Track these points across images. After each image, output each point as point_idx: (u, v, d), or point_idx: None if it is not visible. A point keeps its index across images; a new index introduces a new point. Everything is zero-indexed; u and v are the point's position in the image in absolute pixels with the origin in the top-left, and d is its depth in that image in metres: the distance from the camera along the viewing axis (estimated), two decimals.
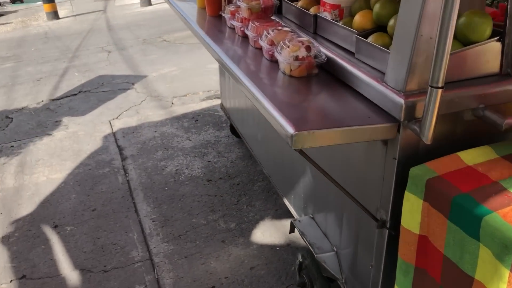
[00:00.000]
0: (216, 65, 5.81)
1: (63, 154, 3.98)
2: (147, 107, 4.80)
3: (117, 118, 4.57)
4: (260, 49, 2.17)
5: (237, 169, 3.64)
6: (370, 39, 1.73)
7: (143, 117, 4.56)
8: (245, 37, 2.36)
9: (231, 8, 2.51)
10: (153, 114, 4.61)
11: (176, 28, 7.75)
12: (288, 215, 3.06)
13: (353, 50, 1.84)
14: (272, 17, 2.34)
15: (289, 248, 2.83)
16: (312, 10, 2.15)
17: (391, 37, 1.70)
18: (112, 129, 4.36)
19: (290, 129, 1.44)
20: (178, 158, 3.83)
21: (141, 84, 5.44)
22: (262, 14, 2.27)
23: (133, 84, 5.45)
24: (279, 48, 1.92)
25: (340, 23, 1.94)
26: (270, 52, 2.00)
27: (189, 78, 5.52)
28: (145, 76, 5.67)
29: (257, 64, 2.07)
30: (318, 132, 1.46)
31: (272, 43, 2.01)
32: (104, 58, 6.48)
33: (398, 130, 1.54)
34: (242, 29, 2.32)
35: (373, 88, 1.61)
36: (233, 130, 3.99)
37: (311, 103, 1.69)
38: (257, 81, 1.84)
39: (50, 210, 3.30)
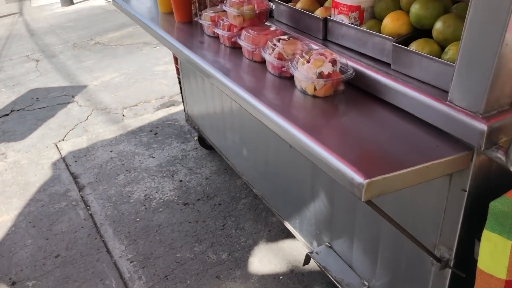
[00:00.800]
0: (163, 68, 5.36)
1: (6, 191, 3.42)
2: (95, 122, 4.29)
3: (63, 139, 4.03)
4: (260, 62, 1.83)
5: (214, 187, 3.28)
6: (413, 47, 1.44)
7: (93, 136, 4.05)
8: (234, 47, 2.00)
9: (209, 13, 2.14)
10: (104, 130, 4.12)
11: (107, 28, 7.15)
12: (284, 234, 2.77)
13: (386, 60, 1.55)
14: (266, 23, 1.99)
15: (294, 275, 2.54)
16: (318, 13, 1.83)
17: (438, 43, 1.42)
18: (60, 153, 3.83)
19: (358, 177, 1.13)
20: (144, 180, 3.41)
21: (82, 95, 4.89)
22: (256, 20, 1.92)
23: (73, 96, 4.89)
24: (295, 63, 1.59)
25: (363, 28, 1.63)
26: (282, 68, 1.67)
27: (136, 84, 5.04)
28: (85, 86, 5.11)
29: (263, 82, 1.73)
30: (391, 176, 1.16)
31: (281, 57, 1.67)
32: (33, 69, 5.80)
33: (471, 158, 1.28)
34: (233, 39, 1.95)
35: (432, 109, 1.33)
36: (202, 141, 3.62)
37: (357, 133, 1.38)
38: (277, 106, 1.50)
39: (3, 263, 2.79)
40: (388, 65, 1.55)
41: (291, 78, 1.68)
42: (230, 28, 1.99)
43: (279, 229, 2.84)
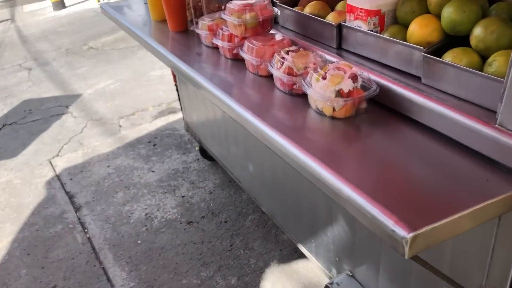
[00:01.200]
0: (159, 72, 5.14)
1: None
2: (90, 135, 4.08)
3: (57, 155, 3.83)
4: (266, 76, 1.61)
5: (219, 202, 3.07)
6: (448, 58, 1.22)
7: (89, 150, 3.84)
8: (236, 59, 1.78)
9: (206, 21, 1.91)
10: (101, 143, 3.91)
11: (101, 31, 6.92)
12: (297, 254, 2.56)
13: (415, 72, 1.33)
14: (272, 31, 1.77)
15: None
16: (330, 19, 1.61)
17: (478, 53, 1.20)
18: (54, 171, 3.63)
19: (401, 230, 0.92)
20: (144, 198, 3.20)
21: (77, 105, 4.67)
22: (260, 29, 1.70)
23: (67, 107, 4.67)
24: (308, 79, 1.37)
25: (385, 35, 1.41)
26: (293, 85, 1.45)
27: (132, 91, 4.82)
28: (79, 95, 4.90)
29: (271, 101, 1.51)
30: (440, 225, 0.94)
31: (291, 72, 1.45)
32: (25, 78, 5.59)
33: None
34: (234, 51, 1.73)
35: (477, 133, 1.11)
36: (204, 152, 3.41)
37: (389, 165, 1.16)
38: (290, 132, 1.29)
39: None
40: (417, 78, 1.33)
41: (304, 95, 1.46)
42: (230, 38, 1.77)
43: (291, 248, 2.63)
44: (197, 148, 3.57)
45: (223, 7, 2.07)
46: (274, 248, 2.67)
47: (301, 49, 1.54)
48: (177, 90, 3.33)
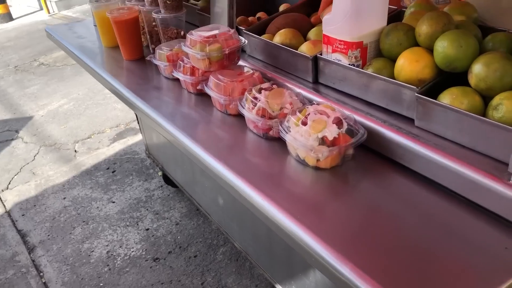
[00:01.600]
0: None
1: None
2: (43, 163, 3.79)
3: (7, 188, 3.52)
4: (236, 115, 1.43)
5: (187, 234, 2.86)
6: (447, 100, 1.07)
7: (42, 180, 3.56)
8: (200, 94, 1.59)
9: (164, 51, 1.72)
10: (55, 172, 3.63)
11: (52, 46, 6.54)
12: None
13: (406, 113, 1.18)
14: (240, 62, 1.59)
15: None
16: (305, 50, 1.44)
17: (479, 93, 1.06)
18: (4, 206, 3.33)
19: None
20: (105, 233, 2.96)
21: (27, 129, 4.35)
22: (226, 62, 1.51)
23: (17, 131, 4.35)
24: (286, 124, 1.19)
25: (369, 71, 1.25)
26: (268, 130, 1.27)
27: (87, 111, 4.54)
28: (30, 118, 4.57)
29: (243, 147, 1.34)
30: None
31: (265, 113, 1.27)
32: None
33: None
34: (198, 87, 1.54)
35: (486, 189, 0.96)
36: (167, 178, 3.18)
37: (390, 230, 1.00)
38: (268, 188, 1.11)
39: None
40: (409, 120, 1.18)
41: (276, 139, 1.29)
42: (193, 71, 1.58)
43: (268, 283, 2.46)
44: (160, 173, 3.35)
45: (182, 32, 1.87)
46: (249, 284, 2.48)
47: (274, 85, 1.36)
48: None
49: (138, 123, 3.18)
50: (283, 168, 1.23)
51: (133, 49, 1.94)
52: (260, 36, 1.58)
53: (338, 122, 1.16)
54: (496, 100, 1.02)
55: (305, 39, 1.54)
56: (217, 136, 1.39)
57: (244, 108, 1.35)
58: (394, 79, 1.21)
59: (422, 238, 0.95)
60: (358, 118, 1.22)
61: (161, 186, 3.28)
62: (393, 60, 1.25)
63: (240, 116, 1.45)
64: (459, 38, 1.07)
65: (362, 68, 1.29)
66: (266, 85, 1.37)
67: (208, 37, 1.47)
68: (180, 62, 1.62)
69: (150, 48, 2.00)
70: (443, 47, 1.09)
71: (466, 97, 1.05)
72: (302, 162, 1.21)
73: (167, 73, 1.75)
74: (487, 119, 0.99)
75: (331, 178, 1.16)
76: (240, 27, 1.66)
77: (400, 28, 1.22)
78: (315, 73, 1.41)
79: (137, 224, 2.98)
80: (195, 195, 2.67)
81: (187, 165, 2.47)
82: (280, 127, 1.22)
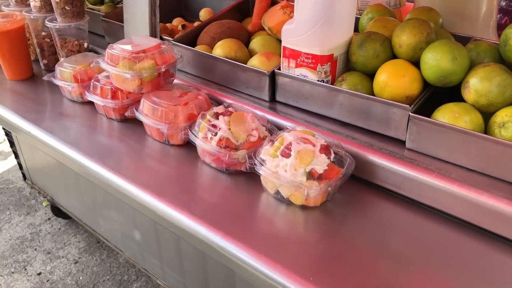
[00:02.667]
0: None
1: None
2: None
3: None
4: (179, 146, 1.19)
5: (90, 273, 2.48)
6: (445, 118, 0.96)
7: None
8: (124, 120, 1.31)
9: (68, 69, 1.39)
10: None
11: None
12: None
13: (394, 135, 1.05)
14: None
15: None
16: (257, 64, 1.24)
17: (478, 110, 0.97)
18: None
19: None
20: None
21: None
22: (161, 80, 1.25)
23: None
24: (261, 156, 1.00)
25: (343, 87, 1.10)
26: (233, 163, 1.06)
27: None
28: None
29: (201, 182, 1.11)
30: None
31: (229, 144, 1.06)
32: None
33: None
34: (127, 113, 1.25)
35: (501, 216, 0.87)
36: (57, 209, 2.73)
37: (409, 277, 0.85)
38: (256, 242, 0.91)
39: None
40: (397, 141, 1.05)
41: (243, 173, 1.08)
42: (115, 93, 1.28)
43: None
44: (45, 204, 2.87)
45: (85, 44, 1.54)
46: None
47: (230, 108, 1.14)
48: (4, 129, 2.58)
49: (11, 145, 2.66)
50: (263, 209, 1.02)
51: (20, 67, 1.55)
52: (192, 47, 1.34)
53: (326, 151, 0.99)
54: (501, 117, 0.93)
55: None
56: (162, 173, 1.13)
57: (197, 137, 1.11)
58: (373, 95, 1.07)
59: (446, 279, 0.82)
60: (341, 143, 1.05)
61: (49, 219, 2.81)
62: (367, 74, 1.11)
63: (185, 146, 1.21)
64: (452, 49, 0.97)
65: (332, 84, 1.13)
66: (220, 108, 1.15)
67: (137, 52, 1.19)
68: (95, 83, 1.31)
69: (42, 64, 1.63)
70: (436, 59, 0.97)
71: (468, 114, 0.94)
72: (284, 201, 1.01)
73: (73, 95, 1.42)
74: (502, 140, 0.89)
75: (324, 218, 0.99)
76: (165, 37, 1.40)
77: (375, 38, 1.09)
78: (272, 91, 1.22)
79: (25, 269, 2.50)
80: (98, 228, 2.30)
81: (86, 193, 2.10)
82: (253, 160, 1.01)
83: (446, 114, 0.96)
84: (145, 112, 1.21)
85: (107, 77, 1.31)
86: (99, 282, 2.43)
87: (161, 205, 1.01)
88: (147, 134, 1.27)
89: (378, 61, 1.07)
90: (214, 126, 1.09)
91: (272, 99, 1.24)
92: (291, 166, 0.96)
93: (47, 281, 2.45)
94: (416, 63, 1.05)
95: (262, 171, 1.00)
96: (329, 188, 0.96)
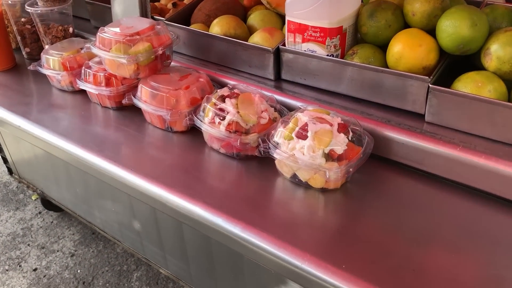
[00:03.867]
0: None
1: None
2: None
3: None
4: (182, 132, 1.12)
5: (88, 265, 2.42)
6: (467, 89, 0.92)
7: None
8: (120, 109, 1.24)
9: (55, 56, 1.30)
10: None
11: None
12: None
13: (411, 108, 1.00)
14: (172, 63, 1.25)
15: None
16: (259, 41, 1.17)
17: (500, 77, 0.92)
18: None
19: None
20: None
21: None
22: (158, 64, 1.17)
23: None
24: (275, 139, 0.94)
25: (355, 61, 1.04)
26: (244, 147, 1.00)
27: None
28: None
29: (211, 169, 1.05)
30: None
31: (238, 128, 1.00)
32: None
33: None
34: (124, 100, 1.18)
35: None
36: (47, 202, 2.65)
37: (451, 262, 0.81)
38: (281, 232, 0.86)
39: None
40: (415, 115, 1.00)
41: (254, 158, 1.03)
42: (109, 80, 1.20)
43: None
44: (34, 197, 2.79)
45: (70, 29, 1.45)
46: None
47: (235, 90, 1.08)
48: None
49: None
50: (280, 194, 0.97)
51: (1, 57, 1.45)
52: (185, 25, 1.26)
53: (344, 130, 0.94)
54: None
55: None
56: (168, 162, 1.07)
57: (203, 122, 1.05)
58: (387, 68, 1.01)
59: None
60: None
61: (39, 212, 2.73)
62: (378, 46, 1.05)
63: (189, 133, 1.15)
64: (471, 15, 0.91)
65: (342, 58, 1.07)
66: (225, 90, 1.08)
67: (132, 35, 1.11)
68: (87, 70, 1.23)
69: (24, 53, 1.54)
70: (455, 26, 0.92)
71: (491, 83, 0.90)
72: (302, 184, 0.96)
73: (63, 84, 1.34)
74: None
75: (347, 201, 0.94)
76: (156, 17, 1.31)
77: (385, 7, 1.03)
78: (277, 68, 1.15)
79: (20, 266, 2.43)
80: (94, 220, 2.23)
81: (79, 185, 2.03)
82: (267, 143, 0.96)
83: (468, 84, 0.91)
84: (144, 98, 1.14)
85: (100, 63, 1.23)
86: (98, 274, 2.38)
87: (173, 197, 0.95)
88: (147, 121, 1.20)
89: (390, 31, 1.02)
90: (221, 110, 1.02)
91: (277, 77, 1.17)
92: (309, 148, 0.91)
93: (44, 276, 2.39)
94: (429, 31, 1.00)
95: (278, 154, 0.94)
96: (351, 169, 0.91)
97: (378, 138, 0.99)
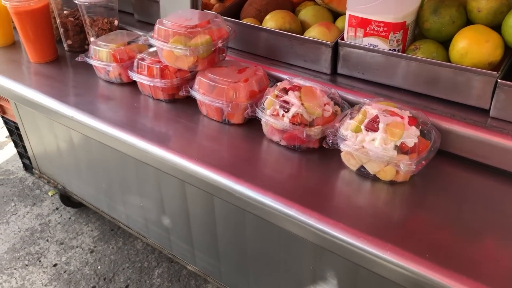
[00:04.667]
0: None
1: None
2: None
3: None
4: (241, 125, 1.13)
5: (108, 261, 2.42)
6: None
7: None
8: (172, 101, 1.24)
9: (104, 48, 1.30)
10: None
11: None
12: None
13: (476, 103, 1.01)
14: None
15: None
16: (316, 35, 1.18)
17: None
18: None
19: None
20: None
21: None
22: (215, 57, 1.18)
23: None
24: (342, 131, 0.95)
25: (418, 55, 1.05)
26: (307, 139, 1.01)
27: None
28: None
29: (275, 162, 1.05)
30: None
31: (302, 121, 1.00)
32: None
33: None
34: (181, 92, 1.18)
35: None
36: (66, 198, 2.64)
37: None
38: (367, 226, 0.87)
39: None
40: (479, 110, 1.01)
41: (315, 151, 1.04)
42: (163, 72, 1.21)
43: None
44: (51, 193, 2.77)
45: (115, 22, 1.45)
46: None
47: (295, 83, 1.08)
48: (2, 116, 2.45)
49: (10, 134, 2.54)
50: (348, 186, 0.98)
51: (46, 48, 1.45)
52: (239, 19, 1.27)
53: (415, 123, 0.95)
54: None
55: None
56: (229, 153, 1.07)
57: (265, 114, 1.05)
58: (449, 62, 1.03)
59: None
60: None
61: (57, 208, 2.71)
62: (440, 42, 1.06)
63: (246, 125, 1.15)
64: None
65: (403, 53, 1.08)
66: (285, 83, 1.09)
67: (192, 27, 1.11)
68: (141, 62, 1.23)
69: (65, 45, 1.53)
70: None
71: None
72: (370, 177, 0.97)
73: (111, 76, 1.34)
74: None
75: (418, 193, 0.95)
76: (208, 11, 1.32)
77: (449, 3, 1.04)
78: (334, 63, 1.16)
79: (40, 261, 2.42)
80: (118, 215, 2.22)
81: (103, 181, 2.01)
82: (339, 137, 0.96)
83: None
84: (202, 90, 1.14)
85: (153, 55, 1.23)
86: (118, 270, 2.37)
87: (245, 189, 0.95)
88: (202, 114, 1.20)
89: (453, 28, 1.03)
90: (285, 102, 1.03)
91: (333, 71, 1.18)
92: (381, 140, 0.92)
93: (64, 272, 2.38)
94: (494, 27, 1.01)
95: (347, 146, 0.95)
96: (423, 162, 0.92)
97: (443, 132, 1.00)
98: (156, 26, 1.16)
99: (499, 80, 0.95)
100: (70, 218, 2.67)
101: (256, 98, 1.12)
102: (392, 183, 0.96)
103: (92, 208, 2.37)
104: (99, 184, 2.13)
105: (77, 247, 2.50)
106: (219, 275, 1.83)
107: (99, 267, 2.38)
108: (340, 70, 1.17)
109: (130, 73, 1.25)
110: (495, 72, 0.96)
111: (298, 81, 1.11)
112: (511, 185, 0.96)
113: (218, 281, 1.82)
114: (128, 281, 2.31)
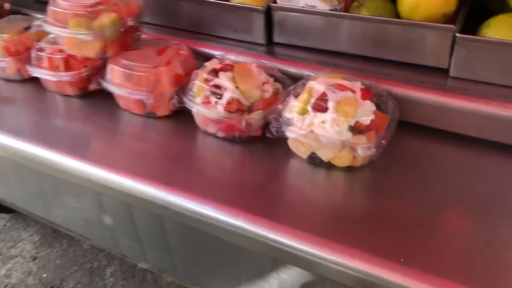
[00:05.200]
0: None
1: None
2: None
3: None
4: (166, 117, 0.96)
5: (54, 267, 2.23)
6: (500, 34, 0.81)
7: None
8: (84, 96, 1.05)
9: None
10: None
11: None
12: None
13: (433, 63, 0.88)
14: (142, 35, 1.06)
15: None
16: (245, 0, 1.00)
17: None
18: None
19: None
20: None
21: None
22: (127, 38, 0.98)
23: None
24: (287, 114, 0.80)
25: (361, 13, 0.91)
26: (247, 129, 0.86)
27: None
28: None
29: (212, 158, 0.90)
30: None
31: (240, 107, 0.85)
32: None
33: None
34: (92, 86, 0.99)
35: None
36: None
37: None
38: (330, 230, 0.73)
39: None
40: (436, 70, 0.88)
41: (257, 140, 0.88)
42: (68, 63, 1.00)
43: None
44: None
45: (6, 6, 1.22)
46: None
47: (226, 61, 0.91)
48: None
49: None
50: (301, 178, 0.84)
51: None
52: None
53: (369, 96, 0.81)
54: None
55: None
56: (158, 154, 0.90)
57: (195, 103, 0.88)
58: (399, 19, 0.89)
59: None
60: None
61: None
62: None
63: (175, 117, 0.98)
64: None
65: (346, 12, 0.93)
66: (214, 62, 0.92)
67: (93, 5, 0.91)
68: (39, 53, 1.02)
69: None
70: None
71: None
72: (324, 165, 0.83)
73: (9, 73, 1.12)
74: None
75: (380, 178, 0.82)
76: None
77: None
78: (269, 31, 0.99)
79: None
80: (57, 219, 2.02)
81: (33, 184, 1.81)
82: (283, 122, 0.81)
83: (500, 29, 0.80)
84: (116, 81, 0.95)
85: (54, 43, 1.02)
86: (66, 275, 2.19)
87: (180, 200, 0.79)
88: (121, 108, 1.02)
89: None
90: (216, 86, 0.86)
91: (269, 41, 1.02)
92: (332, 122, 0.77)
93: (5, 286, 2.17)
94: None
95: (292, 133, 0.80)
96: (383, 141, 0.78)
97: (398, 100, 0.87)
98: (50, 8, 0.95)
99: (457, 35, 0.82)
100: (5, 225, 2.44)
101: (182, 83, 0.94)
102: (349, 169, 0.83)
103: (26, 213, 2.16)
104: (30, 188, 1.91)
105: (17, 256, 2.28)
106: (174, 270, 1.69)
107: (44, 275, 2.19)
108: (276, 38, 1.01)
109: (28, 68, 1.04)
110: (452, 26, 0.82)
111: (230, 57, 0.94)
112: (478, 153, 0.84)
113: (174, 276, 1.68)
114: (78, 285, 2.13)
